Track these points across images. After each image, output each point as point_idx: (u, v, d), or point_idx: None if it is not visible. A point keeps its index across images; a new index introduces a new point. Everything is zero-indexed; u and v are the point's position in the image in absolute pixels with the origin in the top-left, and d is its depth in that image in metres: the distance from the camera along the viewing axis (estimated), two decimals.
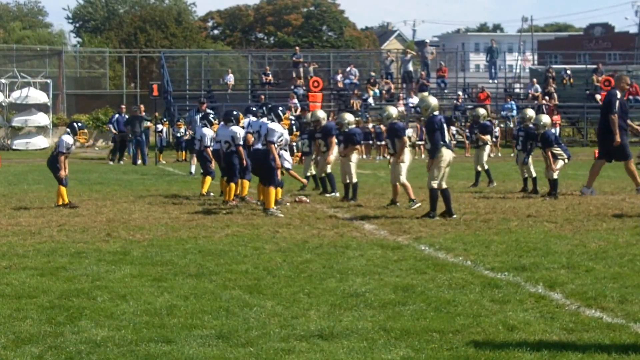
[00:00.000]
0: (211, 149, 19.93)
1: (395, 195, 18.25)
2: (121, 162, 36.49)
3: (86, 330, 8.27)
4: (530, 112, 21.85)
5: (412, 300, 9.41)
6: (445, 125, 16.39)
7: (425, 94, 41.46)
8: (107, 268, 11.34)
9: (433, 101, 16.73)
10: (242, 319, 8.68)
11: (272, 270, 11.16)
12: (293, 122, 20.30)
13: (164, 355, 7.51)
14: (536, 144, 20.77)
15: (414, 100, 43.71)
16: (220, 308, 9.08)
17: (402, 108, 45.58)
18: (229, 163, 18.71)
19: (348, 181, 19.23)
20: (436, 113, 16.44)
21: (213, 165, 20.51)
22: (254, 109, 20.28)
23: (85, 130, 19.22)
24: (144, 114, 38.14)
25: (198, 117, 29.80)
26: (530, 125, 20.92)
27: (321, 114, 20.29)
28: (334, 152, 19.96)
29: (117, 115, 38.68)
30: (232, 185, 18.63)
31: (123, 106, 40.22)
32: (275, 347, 7.70)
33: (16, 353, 7.55)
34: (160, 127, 39.75)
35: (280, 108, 18.40)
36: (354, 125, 19.94)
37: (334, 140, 20.00)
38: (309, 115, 22.21)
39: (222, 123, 19.23)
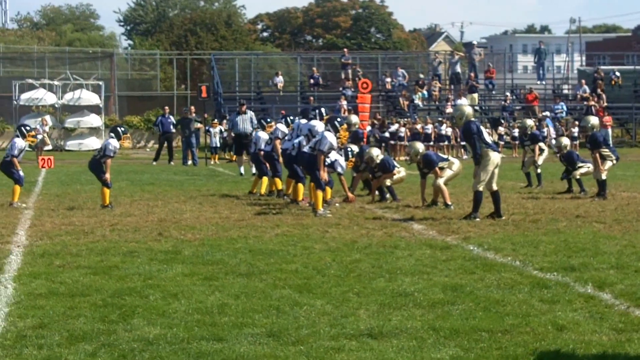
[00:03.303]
0: (281, 148, 20.00)
1: (436, 196, 18.33)
2: (172, 163, 36.67)
3: (139, 328, 8.36)
4: (565, 141, 22.19)
5: (461, 300, 9.44)
6: (484, 130, 16.44)
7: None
8: (159, 267, 11.46)
9: (467, 109, 16.79)
10: (292, 317, 8.74)
11: (322, 270, 11.22)
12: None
13: (215, 353, 7.58)
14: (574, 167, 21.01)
15: (462, 101, 43.62)
16: (270, 307, 9.15)
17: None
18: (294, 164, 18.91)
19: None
20: (473, 120, 16.45)
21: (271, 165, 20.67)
22: (310, 111, 20.43)
23: (129, 135, 19.46)
24: (194, 115, 38.41)
25: (240, 117, 30.01)
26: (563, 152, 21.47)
27: (375, 151, 20.05)
28: (400, 174, 19.91)
29: (160, 117, 39.00)
30: (300, 185, 18.77)
31: (167, 108, 40.50)
32: (325, 346, 7.75)
33: (70, 350, 7.64)
34: (213, 128, 40.00)
35: (338, 119, 18.60)
36: (381, 155, 19.79)
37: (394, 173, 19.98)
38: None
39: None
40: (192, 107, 40.11)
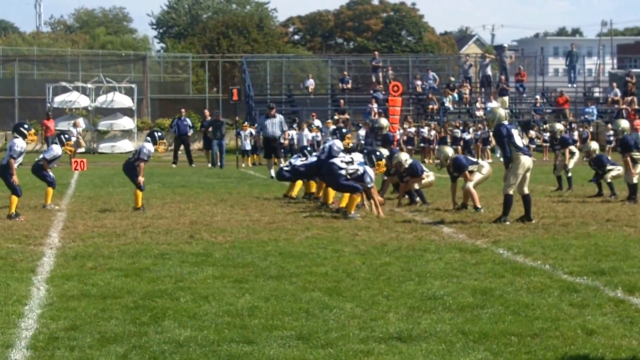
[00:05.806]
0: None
1: (466, 199, 18.33)
2: (193, 165, 36.69)
3: (169, 330, 8.44)
4: (594, 145, 22.08)
5: (491, 303, 9.45)
6: (516, 133, 16.41)
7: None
8: (189, 269, 11.53)
9: (500, 112, 16.79)
10: (322, 320, 8.78)
11: (352, 273, 11.26)
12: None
13: (245, 355, 7.63)
14: (604, 170, 20.96)
15: (493, 104, 43.49)
16: (300, 309, 9.20)
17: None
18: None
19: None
20: (504, 123, 16.42)
21: None
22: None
23: (165, 140, 19.62)
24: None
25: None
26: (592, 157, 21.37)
27: (404, 156, 20.02)
28: (429, 179, 19.94)
29: (177, 120, 39.24)
30: (330, 189, 18.86)
31: (183, 110, 40.62)
32: (355, 349, 7.79)
33: (101, 352, 7.72)
34: (244, 131, 40.13)
35: (377, 153, 19.14)
36: (410, 160, 19.74)
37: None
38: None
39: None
40: (206, 111, 40.64)
